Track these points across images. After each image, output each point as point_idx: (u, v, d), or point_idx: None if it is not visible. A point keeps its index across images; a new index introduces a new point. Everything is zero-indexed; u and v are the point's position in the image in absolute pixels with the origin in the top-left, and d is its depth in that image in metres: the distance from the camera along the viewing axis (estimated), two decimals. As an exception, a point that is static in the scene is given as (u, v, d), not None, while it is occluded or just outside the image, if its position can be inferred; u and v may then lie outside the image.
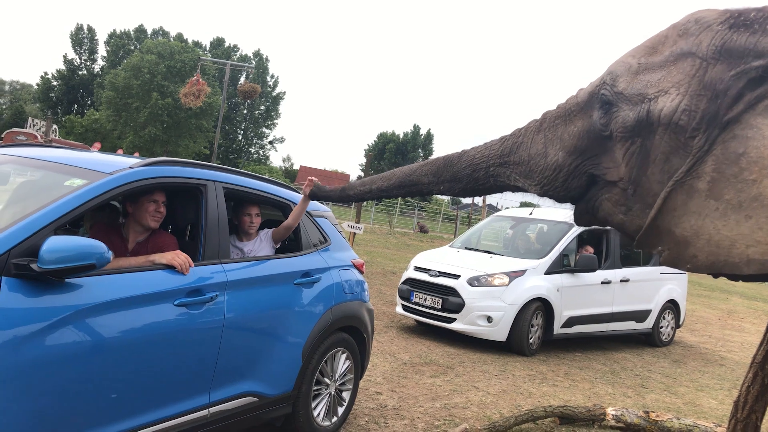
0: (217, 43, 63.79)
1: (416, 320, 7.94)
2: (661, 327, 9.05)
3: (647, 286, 8.72)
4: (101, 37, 62.15)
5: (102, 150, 19.20)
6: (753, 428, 2.71)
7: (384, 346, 6.85)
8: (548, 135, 2.70)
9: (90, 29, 61.09)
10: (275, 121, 67.88)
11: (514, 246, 8.64)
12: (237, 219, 3.94)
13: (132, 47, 58.96)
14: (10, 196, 3.07)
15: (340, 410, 4.23)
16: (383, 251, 18.04)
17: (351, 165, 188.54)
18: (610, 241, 8.34)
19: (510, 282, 7.33)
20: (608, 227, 8.12)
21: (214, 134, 49.49)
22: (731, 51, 2.14)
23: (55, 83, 59.98)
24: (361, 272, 4.54)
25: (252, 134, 67.75)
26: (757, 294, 20.34)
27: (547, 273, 7.60)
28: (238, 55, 63.59)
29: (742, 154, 2.09)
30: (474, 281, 7.33)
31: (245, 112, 65.89)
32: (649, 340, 9.03)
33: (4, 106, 70.57)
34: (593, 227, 8.13)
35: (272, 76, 66.43)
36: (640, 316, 8.67)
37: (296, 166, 74.87)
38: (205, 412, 3.15)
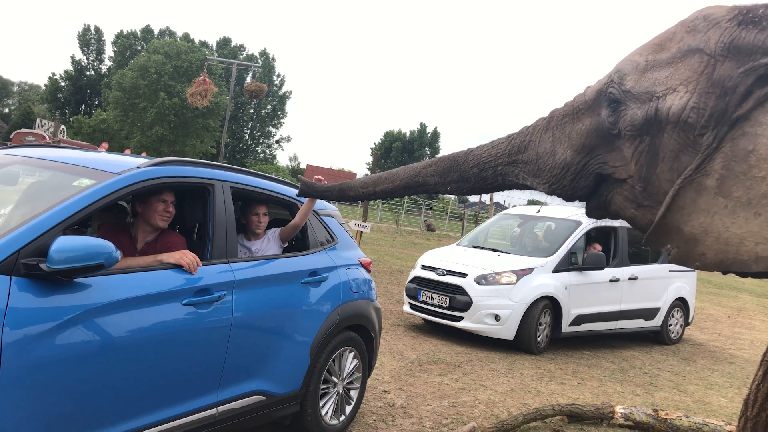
0: (224, 42, 63.93)
1: (423, 319, 7.93)
2: (670, 325, 9.01)
3: (656, 284, 8.68)
4: (108, 37, 62.41)
5: (109, 150, 19.29)
6: (763, 426, 2.69)
7: (391, 345, 6.85)
8: (556, 133, 2.68)
9: (97, 30, 61.40)
10: (282, 120, 68.01)
11: (521, 244, 8.62)
12: (245, 218, 3.95)
13: (139, 47, 59.18)
14: (20, 197, 3.09)
15: (348, 409, 4.24)
16: (390, 250, 18.05)
17: (357, 163, 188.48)
18: (619, 238, 8.31)
19: (518, 280, 7.31)
20: (617, 226, 8.04)
21: (220, 134, 49.66)
22: (740, 48, 2.12)
23: (62, 84, 60.30)
24: (369, 271, 4.54)
25: (259, 133, 67.89)
26: (767, 291, 20.21)
27: (555, 271, 7.58)
28: (244, 55, 63.72)
29: (752, 151, 2.07)
30: (481, 279, 7.32)
31: (252, 111, 66.03)
32: (658, 338, 8.99)
33: (12, 107, 71.02)
34: (601, 225, 8.12)
35: (278, 76, 66.58)
36: (649, 314, 8.63)
37: (303, 165, 74.98)
38: (213, 410, 3.16)
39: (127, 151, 26.32)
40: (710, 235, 2.14)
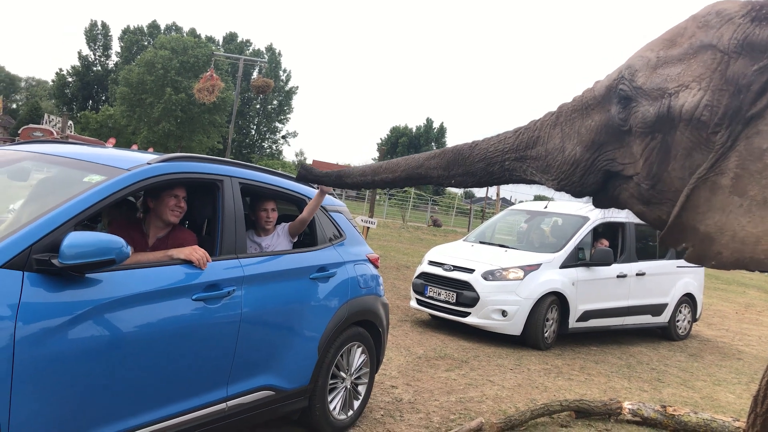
0: (230, 38, 63.96)
1: (430, 314, 7.94)
2: (678, 321, 8.98)
3: (663, 280, 8.66)
4: (115, 33, 62.71)
5: (116, 145, 19.33)
6: (773, 423, 2.68)
7: (398, 340, 6.86)
8: (565, 129, 2.66)
9: (104, 25, 61.53)
10: (288, 115, 68.01)
11: (528, 240, 8.61)
12: (254, 215, 3.96)
13: (145, 43, 59.30)
14: (30, 193, 3.11)
15: (356, 404, 4.25)
16: (397, 245, 18.05)
17: (364, 159, 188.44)
18: (626, 234, 8.28)
19: (525, 276, 7.31)
20: (624, 221, 8.01)
21: (227, 129, 49.64)
22: (754, 45, 2.10)
23: (70, 79, 60.49)
24: (376, 267, 4.55)
25: (265, 129, 67.93)
26: (774, 287, 20.12)
27: (563, 267, 7.57)
28: (250, 50, 63.72)
29: (767, 149, 2.05)
30: (488, 275, 7.32)
31: (258, 106, 66.07)
32: (665, 333, 8.97)
33: (20, 103, 71.33)
34: (609, 221, 8.11)
35: (285, 71, 66.53)
36: (656, 309, 8.61)
37: (309, 161, 74.98)
38: (222, 405, 3.18)
39: (134, 147, 26.40)
40: (726, 233, 2.13)
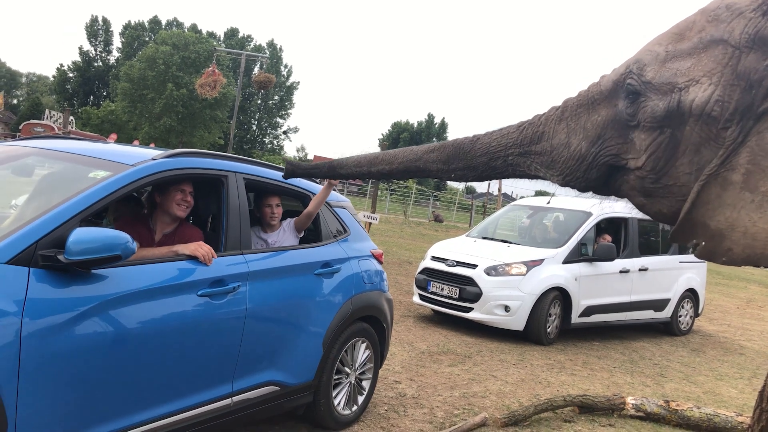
0: (231, 33, 63.88)
1: (433, 310, 7.95)
2: (680, 316, 8.99)
3: (666, 275, 8.66)
4: (116, 28, 62.57)
5: (118, 141, 19.33)
6: (779, 418, 2.68)
7: (401, 336, 6.87)
8: (571, 124, 2.62)
9: (105, 21, 61.49)
10: (289, 111, 68.04)
11: (531, 235, 8.61)
12: (259, 211, 3.96)
13: (147, 38, 59.23)
14: (35, 188, 3.11)
15: (360, 399, 4.26)
16: (399, 241, 18.06)
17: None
18: (629, 229, 8.28)
19: (528, 271, 7.31)
20: (627, 217, 7.99)
21: (228, 125, 49.68)
22: (765, 39, 2.08)
23: (71, 75, 60.48)
24: (380, 262, 4.55)
25: (266, 124, 67.92)
26: (776, 282, 20.12)
27: (565, 262, 7.57)
28: (252, 46, 63.64)
29: None
30: (491, 271, 7.32)
31: (259, 102, 66.05)
32: (667, 329, 8.97)
33: (21, 98, 71.30)
34: (612, 216, 8.10)
35: (286, 66, 66.48)
36: (659, 305, 8.61)
37: (310, 156, 74.94)
38: (228, 401, 3.19)
39: (136, 142, 26.40)
40: (737, 230, 2.12)
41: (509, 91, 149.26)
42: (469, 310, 7.33)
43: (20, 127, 27.65)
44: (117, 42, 61.84)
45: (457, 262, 7.61)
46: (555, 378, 6.01)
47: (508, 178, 2.97)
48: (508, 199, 35.24)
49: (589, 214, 7.99)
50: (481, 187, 43.76)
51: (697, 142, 2.22)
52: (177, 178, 3.20)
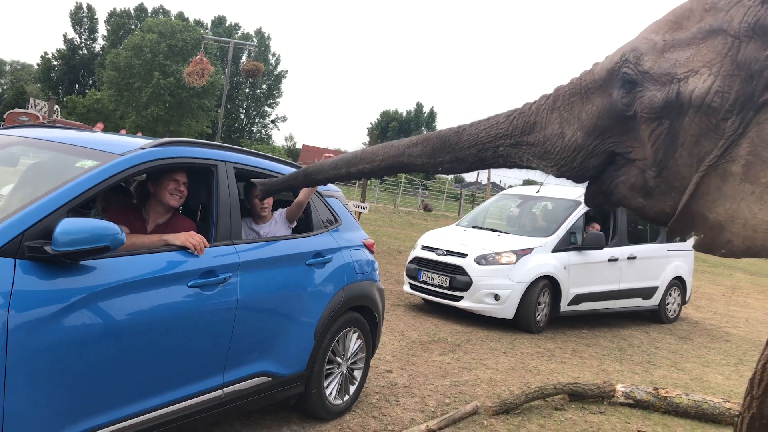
0: (219, 21, 63.25)
1: (424, 299, 7.96)
2: (668, 304, 9.06)
3: (654, 263, 8.72)
4: (101, 16, 61.72)
5: (105, 130, 19.09)
6: (768, 405, 2.70)
7: (392, 325, 6.87)
8: (564, 114, 2.55)
9: (89, 8, 60.67)
10: (277, 99, 67.61)
11: (521, 224, 8.62)
12: (249, 202, 3.92)
13: (132, 26, 58.49)
14: (20, 178, 3.05)
15: (352, 389, 4.26)
16: (388, 230, 18.05)
17: (354, 144, 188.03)
18: (618, 218, 8.31)
19: (517, 260, 7.32)
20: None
21: (216, 113, 49.31)
22: (765, 28, 2.04)
23: (55, 63, 59.69)
24: (372, 252, 4.54)
25: (254, 113, 67.48)
26: (760, 269, 20.35)
27: (555, 251, 7.59)
28: (239, 34, 63.06)
29: None
30: (481, 260, 7.33)
31: (247, 90, 65.56)
32: (655, 316, 9.05)
33: (5, 87, 70.33)
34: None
35: (274, 55, 65.99)
36: (647, 293, 8.68)
37: (299, 145, 74.63)
38: (219, 392, 3.17)
39: (123, 132, 26.11)
40: (737, 221, 2.09)
41: (498, 80, 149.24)
42: (460, 299, 7.35)
43: (4, 116, 27.24)
44: (102, 30, 61.12)
45: (447, 251, 7.62)
46: (545, 366, 6.04)
47: (498, 168, 2.91)
48: (496, 188, 35.34)
49: (578, 203, 8.02)
50: (470, 176, 43.87)
51: (697, 134, 2.18)
52: (166, 167, 3.15)
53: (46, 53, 60.69)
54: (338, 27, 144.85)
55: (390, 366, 5.40)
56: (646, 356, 6.97)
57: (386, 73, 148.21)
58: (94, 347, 2.51)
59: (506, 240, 7.76)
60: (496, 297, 7.21)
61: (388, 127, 71.27)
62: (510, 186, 12.89)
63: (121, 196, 3.65)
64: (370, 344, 4.40)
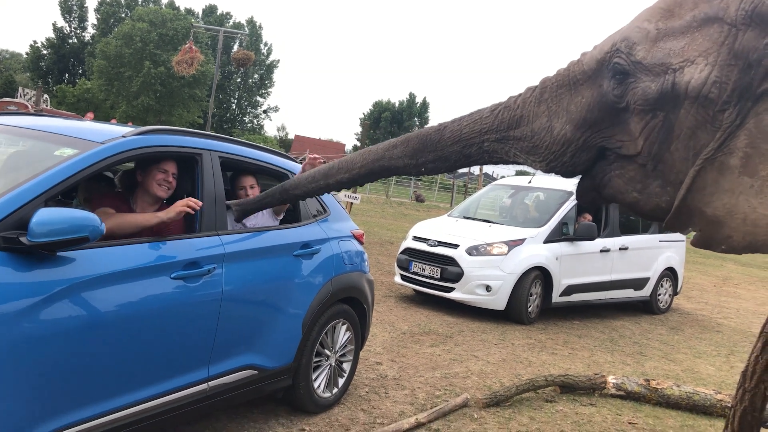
0: (210, 10, 62.63)
1: (415, 290, 7.91)
2: (659, 294, 9.07)
3: (646, 254, 8.71)
4: (91, 4, 61.04)
5: (95, 120, 18.85)
6: (761, 398, 2.68)
7: (383, 316, 6.82)
8: (552, 107, 2.47)
9: (79, -4, 59.86)
10: (269, 89, 67.14)
11: (512, 215, 8.58)
12: (235, 195, 3.82)
13: (123, 15, 57.83)
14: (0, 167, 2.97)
15: (341, 381, 4.21)
16: (380, 221, 18.00)
17: (347, 134, 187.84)
18: (609, 209, 8.28)
19: (509, 251, 7.29)
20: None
21: (207, 103, 48.90)
22: (763, 16, 1.98)
23: (45, 52, 58.94)
24: (361, 243, 4.48)
25: (246, 103, 67.05)
26: (751, 260, 20.43)
27: (546, 242, 7.56)
28: (231, 23, 62.52)
29: None
30: (473, 250, 7.29)
31: (239, 80, 65.12)
32: (647, 307, 9.05)
33: (-7, 76, 69.50)
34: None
35: (266, 44, 65.46)
36: (639, 283, 8.67)
37: (291, 136, 74.31)
38: (204, 386, 3.11)
39: (113, 121, 25.89)
40: (736, 216, 2.03)
41: (491, 71, 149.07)
42: (451, 290, 7.31)
43: (-7, 106, 26.92)
44: (92, 18, 60.37)
45: (438, 242, 7.57)
46: (536, 357, 6.02)
47: (483, 164, 2.83)
48: (489, 179, 35.33)
49: (570, 194, 7.98)
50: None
51: (693, 126, 2.11)
52: (150, 156, 3.08)
53: (35, 42, 59.68)
54: (330, 17, 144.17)
55: (380, 358, 5.35)
56: (638, 347, 6.96)
57: (379, 63, 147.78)
58: (72, 341, 2.44)
59: (498, 231, 7.71)
60: (488, 288, 7.17)
61: (380, 117, 71.00)
62: (503, 176, 12.84)
63: (104, 186, 3.57)
64: (360, 336, 4.35)
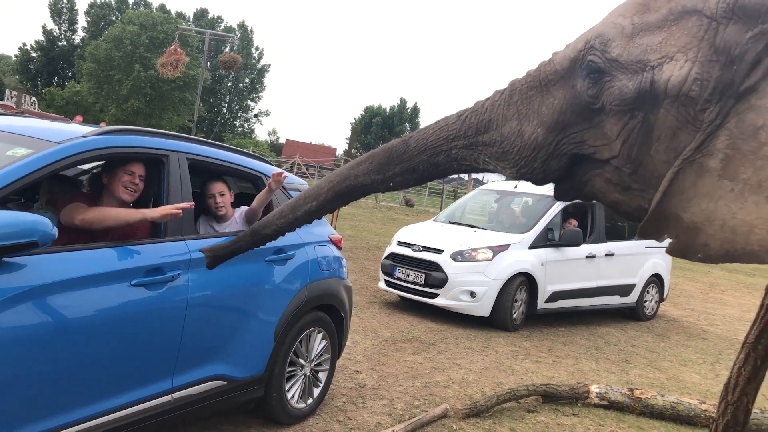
0: (201, 14, 62.45)
1: (399, 296, 7.79)
2: (645, 301, 9.00)
3: (632, 260, 8.64)
4: (81, 7, 60.71)
5: (84, 123, 18.61)
6: (744, 411, 2.58)
7: (366, 323, 6.70)
8: (522, 109, 2.33)
9: (69, -1, 59.48)
10: (260, 93, 67.00)
11: (498, 220, 8.49)
12: (204, 203, 3.68)
13: (113, 18, 57.50)
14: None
15: (316, 391, 4.09)
16: (369, 225, 17.87)
17: (338, 139, 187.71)
18: (596, 214, 8.22)
19: (494, 257, 7.19)
20: (594, 202, 7.87)
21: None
22: (745, 9, 1.86)
23: (34, 55, 58.48)
24: (339, 248, 4.36)
25: (237, 107, 66.79)
26: (738, 267, 20.44)
27: (532, 247, 7.47)
28: (222, 27, 62.27)
29: (761, 127, 1.82)
30: (457, 256, 7.19)
31: (230, 84, 64.90)
32: (633, 314, 8.98)
33: (-19, 78, 68.90)
34: (578, 201, 8.01)
35: (257, 48, 65.34)
36: (625, 290, 8.60)
37: (282, 140, 74.09)
38: (168, 397, 2.98)
39: (103, 124, 25.64)
40: (714, 222, 1.89)
41: (481, 76, 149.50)
42: (435, 296, 7.20)
43: (-21, 108, 26.59)
44: (82, 21, 59.98)
45: (423, 247, 7.46)
46: (520, 365, 5.91)
47: (453, 174, 2.68)
48: (479, 183, 35.28)
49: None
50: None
51: (674, 126, 1.98)
52: (113, 157, 2.96)
53: (24, 44, 59.46)
54: (322, 22, 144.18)
55: (359, 366, 5.23)
56: (623, 355, 6.88)
57: (370, 68, 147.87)
58: (21, 353, 2.31)
59: (483, 236, 7.62)
60: (472, 294, 7.07)
61: (371, 122, 70.96)
62: (492, 181, 12.76)
63: (68, 187, 3.43)
64: (336, 345, 4.23)
